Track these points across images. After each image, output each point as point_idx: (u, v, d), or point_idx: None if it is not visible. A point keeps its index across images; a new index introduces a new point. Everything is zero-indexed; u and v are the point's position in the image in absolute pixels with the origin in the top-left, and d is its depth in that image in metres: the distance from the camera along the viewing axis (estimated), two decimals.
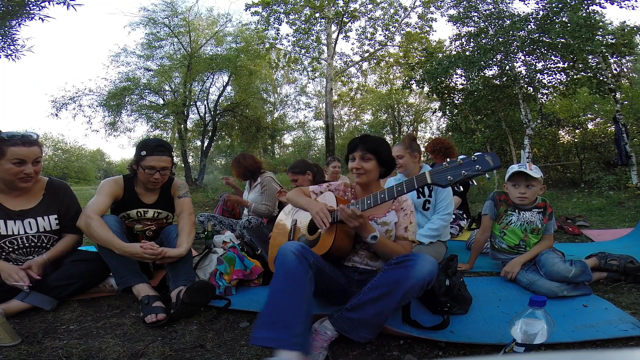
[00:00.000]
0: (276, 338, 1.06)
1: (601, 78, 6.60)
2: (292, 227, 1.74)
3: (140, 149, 1.90)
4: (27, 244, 1.75)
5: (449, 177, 1.18)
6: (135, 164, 1.92)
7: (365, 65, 12.29)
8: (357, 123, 18.66)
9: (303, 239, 1.61)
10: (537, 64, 7.31)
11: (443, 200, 2.37)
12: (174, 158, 2.18)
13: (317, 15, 10.00)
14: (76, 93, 10.76)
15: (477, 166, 1.13)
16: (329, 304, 1.54)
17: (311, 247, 1.47)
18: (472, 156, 1.14)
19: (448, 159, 1.22)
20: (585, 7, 6.14)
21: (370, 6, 10.15)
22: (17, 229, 1.72)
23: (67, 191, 1.89)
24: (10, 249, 1.72)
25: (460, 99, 8.58)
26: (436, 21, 10.41)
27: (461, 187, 3.12)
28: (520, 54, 7.16)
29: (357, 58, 11.25)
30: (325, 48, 10.83)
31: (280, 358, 1.04)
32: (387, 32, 10.58)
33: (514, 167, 2.03)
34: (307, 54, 11.13)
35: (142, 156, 1.87)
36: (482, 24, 7.62)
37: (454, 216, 3.09)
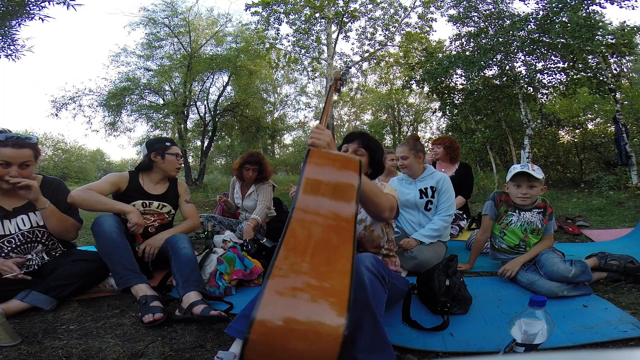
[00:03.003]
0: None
1: (601, 78, 6.58)
2: None
3: (162, 141, 2.16)
4: (23, 241, 1.75)
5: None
6: (160, 155, 2.11)
7: (365, 65, 12.28)
8: (357, 123, 18.65)
9: None
10: (537, 64, 7.30)
11: (445, 201, 2.38)
12: None
13: (317, 15, 9.96)
14: (76, 93, 10.74)
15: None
16: None
17: None
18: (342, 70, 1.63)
19: None
20: (585, 7, 6.13)
21: (370, 6, 10.12)
22: (13, 227, 1.73)
23: (60, 184, 1.92)
24: (9, 248, 1.72)
25: (460, 99, 8.58)
26: (436, 21, 10.36)
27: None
28: (520, 54, 7.15)
29: (357, 58, 11.22)
30: (325, 48, 10.79)
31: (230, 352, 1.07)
32: (387, 32, 10.54)
33: (517, 168, 2.03)
34: (307, 54, 11.10)
35: (168, 146, 2.14)
36: (482, 24, 7.61)
37: (453, 216, 3.09)
